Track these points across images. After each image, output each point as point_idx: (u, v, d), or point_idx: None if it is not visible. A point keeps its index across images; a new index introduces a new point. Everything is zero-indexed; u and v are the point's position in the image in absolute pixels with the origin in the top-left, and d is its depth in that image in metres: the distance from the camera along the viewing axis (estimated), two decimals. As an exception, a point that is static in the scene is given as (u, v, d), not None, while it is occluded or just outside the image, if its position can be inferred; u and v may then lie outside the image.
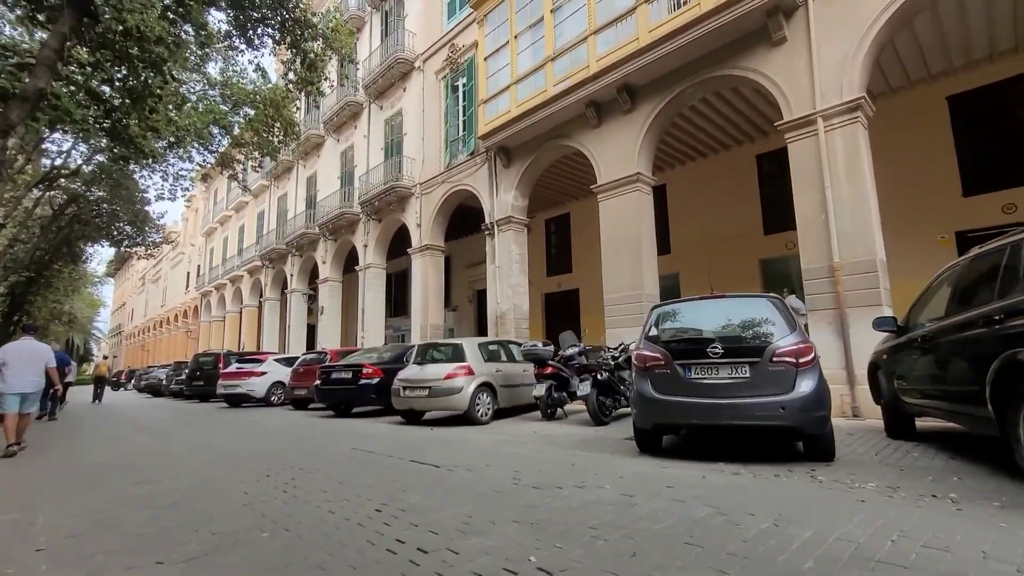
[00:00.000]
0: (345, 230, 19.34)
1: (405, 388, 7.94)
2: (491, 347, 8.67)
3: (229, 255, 32.08)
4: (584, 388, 7.15)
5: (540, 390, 7.79)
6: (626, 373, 7.83)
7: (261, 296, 26.94)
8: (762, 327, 4.45)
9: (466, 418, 7.67)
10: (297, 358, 14.74)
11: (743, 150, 13.03)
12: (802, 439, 4.33)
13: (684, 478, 3.72)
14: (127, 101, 7.92)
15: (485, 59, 12.88)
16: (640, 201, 10.02)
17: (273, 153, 13.87)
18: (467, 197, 15.07)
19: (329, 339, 20.32)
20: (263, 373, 13.30)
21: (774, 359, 4.18)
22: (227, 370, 13.76)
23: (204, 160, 12.21)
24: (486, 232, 13.35)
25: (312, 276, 23.48)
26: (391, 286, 25.79)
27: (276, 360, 13.96)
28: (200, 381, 16.70)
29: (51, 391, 8.67)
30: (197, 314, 37.26)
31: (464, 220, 16.81)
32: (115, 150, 9.07)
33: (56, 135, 11.17)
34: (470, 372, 7.73)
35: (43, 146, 11.41)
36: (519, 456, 4.91)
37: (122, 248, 16.39)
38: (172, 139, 9.61)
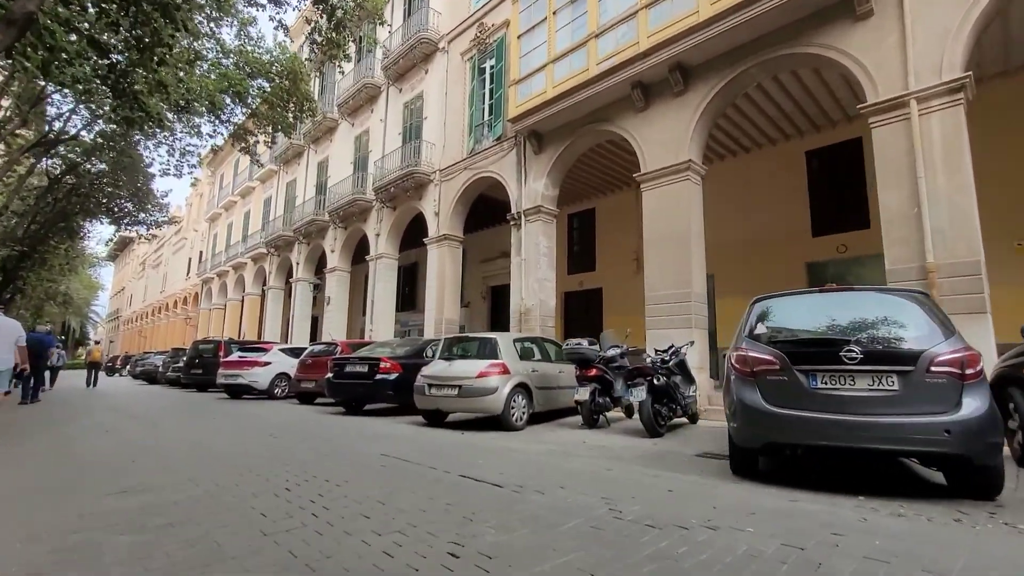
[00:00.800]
0: (357, 217, 18.49)
1: (431, 386, 7.07)
2: (525, 344, 7.80)
3: (233, 242, 31.21)
4: (638, 394, 6.28)
5: (583, 394, 6.93)
6: (677, 378, 6.98)
7: (264, 285, 26.07)
8: (907, 328, 3.59)
9: (499, 422, 6.80)
10: (304, 349, 13.89)
11: (791, 146, 12.18)
12: (961, 470, 3.46)
13: (839, 519, 2.85)
14: (133, 53, 7.05)
15: (518, 37, 12.04)
16: (690, 192, 9.16)
17: (287, 130, 13.05)
18: (490, 185, 14.21)
19: (335, 331, 19.42)
20: (267, 363, 12.42)
21: (932, 368, 3.31)
22: (228, 358, 12.89)
23: (215, 130, 11.38)
24: (511, 223, 12.49)
25: (319, 265, 22.61)
26: (399, 279, 24.95)
27: (281, 350, 13.09)
28: (199, 369, 15.82)
29: (22, 370, 7.95)
30: (197, 301, 36.37)
31: (479, 213, 16.00)
32: (118, 111, 8.21)
33: (56, 95, 10.33)
34: (505, 371, 6.86)
35: (43, 108, 10.56)
36: (589, 475, 4.04)
37: (122, 226, 15.46)
38: (181, 102, 8.75)
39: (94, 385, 18.42)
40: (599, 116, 10.72)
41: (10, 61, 6.15)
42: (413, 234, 17.79)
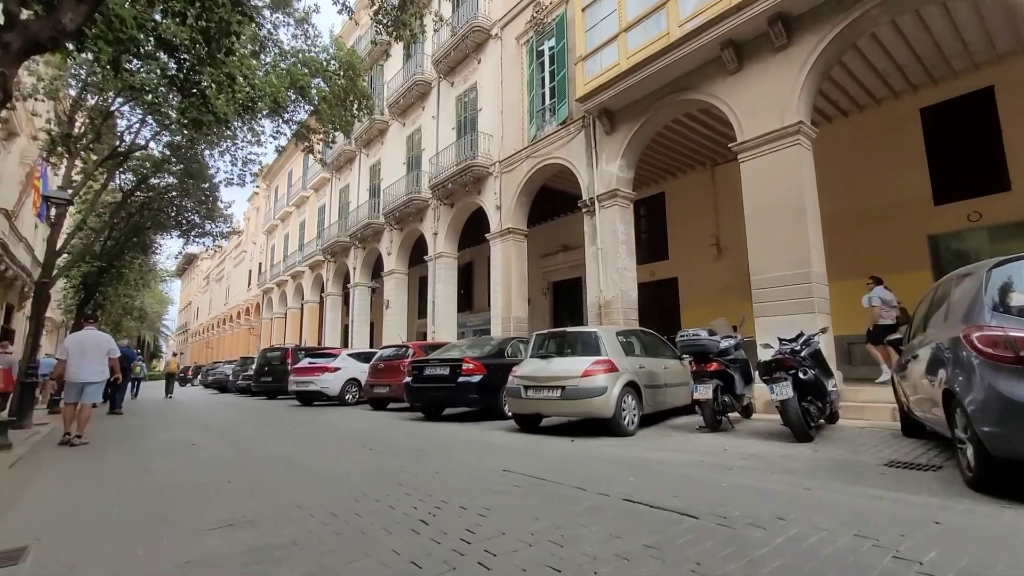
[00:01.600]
0: (413, 218, 18.12)
1: (528, 388, 6.32)
2: (625, 338, 6.93)
3: (290, 251, 31.89)
4: (782, 391, 5.29)
5: (704, 392, 6.00)
6: (812, 372, 5.92)
7: (322, 292, 26.32)
8: None
9: (608, 427, 5.97)
10: (371, 353, 13.54)
11: (902, 104, 10.70)
12: None
13: None
14: (200, 48, 6.71)
15: (583, 10, 11.18)
16: (800, 158, 8.01)
17: (346, 128, 12.70)
18: (555, 173, 13.42)
19: (395, 335, 19.16)
20: (337, 369, 12.11)
21: None
22: (299, 365, 12.69)
23: (277, 130, 11.18)
24: (584, 210, 11.63)
25: (376, 269, 22.52)
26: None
27: (350, 355, 12.77)
28: (268, 377, 15.85)
29: (113, 381, 8.06)
30: (259, 311, 37.52)
31: (536, 206, 15.18)
32: (186, 114, 7.95)
33: (125, 108, 10.36)
34: (612, 368, 6.03)
35: (113, 123, 10.62)
36: (789, 497, 3.15)
37: (190, 238, 15.68)
38: (247, 102, 8.44)
39: (171, 395, 19.60)
40: (681, 85, 9.71)
41: (83, 54, 5.89)
42: (466, 233, 17.25)
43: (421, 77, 18.28)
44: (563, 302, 18.84)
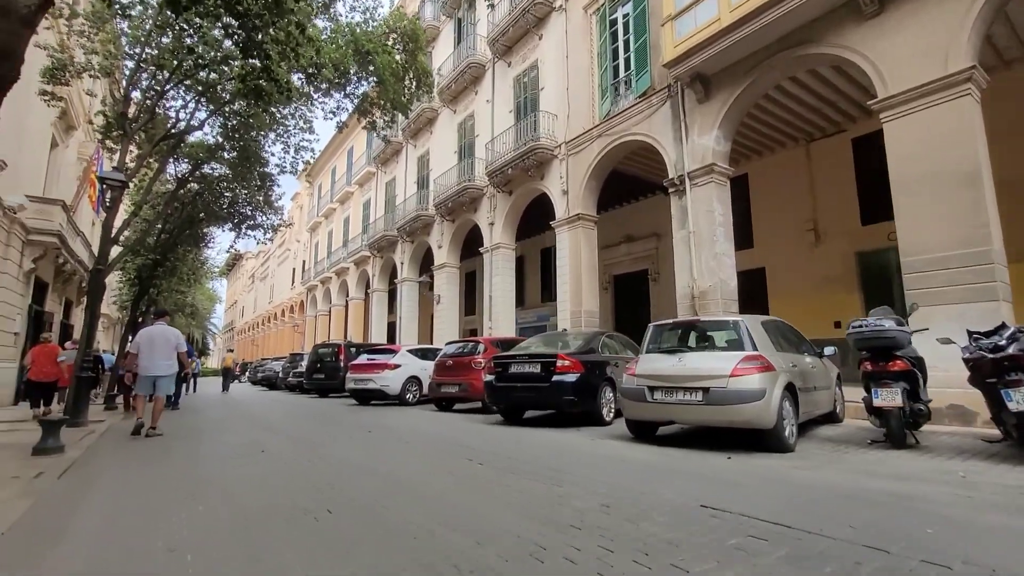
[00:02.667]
0: (466, 207, 17.19)
1: (656, 389, 5.17)
2: (767, 328, 5.67)
3: (334, 248, 31.67)
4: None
5: (891, 398, 4.72)
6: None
7: (368, 288, 25.84)
8: None
9: (766, 440, 4.77)
10: (433, 349, 12.66)
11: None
12: None
13: None
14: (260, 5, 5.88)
15: (672, -37, 9.92)
16: (971, 112, 6.55)
17: (404, 107, 11.85)
18: (632, 153, 12.20)
19: (447, 331, 18.30)
20: (397, 366, 11.25)
21: None
22: (357, 362, 11.90)
23: (339, 106, 10.39)
24: (671, 191, 10.36)
25: (424, 264, 21.77)
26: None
27: (409, 351, 11.89)
28: (320, 374, 15.22)
29: (183, 375, 8.69)
30: (303, 309, 37.62)
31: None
32: (247, 81, 7.16)
33: (180, 88, 9.75)
34: (768, 367, 4.81)
35: (166, 103, 10.05)
36: None
37: (242, 231, 15.19)
38: (310, 67, 7.61)
39: (226, 391, 19.33)
40: (799, 38, 8.33)
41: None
42: (525, 222, 16.20)
43: (474, 59, 17.34)
44: (626, 297, 17.55)
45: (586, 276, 12.55)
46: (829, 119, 11.56)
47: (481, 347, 9.53)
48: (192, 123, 10.32)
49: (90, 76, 9.14)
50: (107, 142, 9.71)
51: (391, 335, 25.40)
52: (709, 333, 5.63)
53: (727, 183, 9.88)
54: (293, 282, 42.16)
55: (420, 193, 20.67)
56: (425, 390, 11.61)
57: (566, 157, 13.28)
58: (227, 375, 20.31)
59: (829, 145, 12.11)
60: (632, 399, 5.43)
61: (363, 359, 11.88)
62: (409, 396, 11.31)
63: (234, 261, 64.97)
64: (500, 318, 15.48)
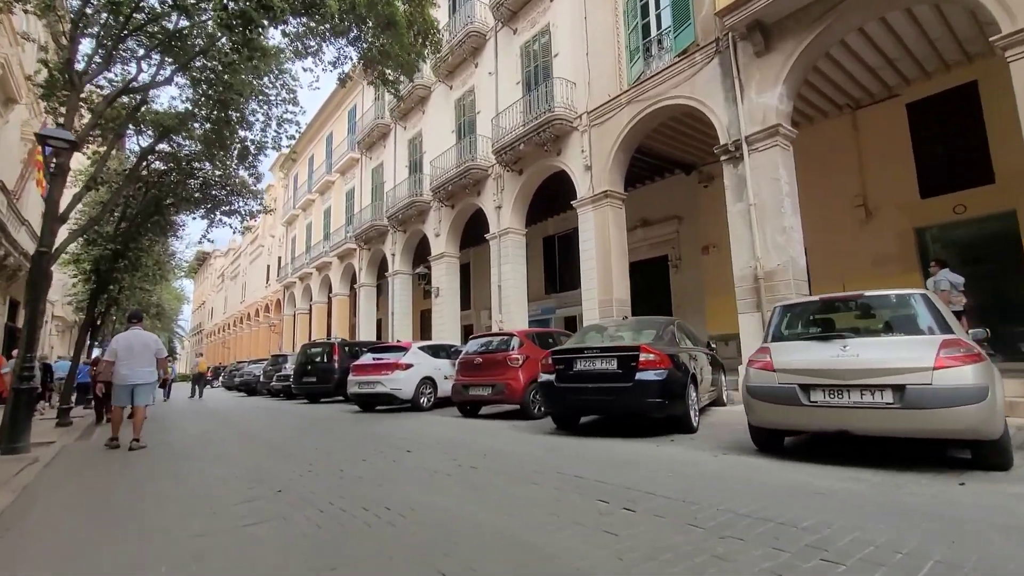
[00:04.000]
0: (469, 191, 15.67)
1: (815, 388, 3.87)
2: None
3: (314, 242, 29.63)
4: None
5: None
6: None
7: (354, 283, 24.01)
8: None
9: (986, 457, 3.54)
10: (446, 347, 11.20)
11: None
12: None
13: None
14: None
15: None
16: None
17: (411, 68, 10.25)
18: (672, 117, 10.95)
19: (447, 327, 16.81)
20: (409, 366, 9.73)
21: None
22: (361, 362, 10.32)
23: (340, 54, 8.75)
24: (723, 159, 9.13)
25: (418, 255, 20.16)
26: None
27: (420, 348, 10.37)
28: (311, 377, 13.54)
29: (163, 382, 7.66)
30: (280, 308, 35.39)
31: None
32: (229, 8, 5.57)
33: (138, 38, 7.98)
34: (978, 356, 3.55)
35: (123, 52, 8.24)
36: None
37: (215, 220, 13.35)
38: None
39: (200, 396, 18.57)
40: (889, -28, 7.17)
41: None
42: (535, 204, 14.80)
43: (474, 28, 15.80)
44: (643, 286, 16.28)
45: (616, 260, 11.24)
46: (883, 83, 10.51)
47: (516, 341, 8.11)
48: (157, 78, 8.53)
49: (23, 10, 7.30)
50: (51, 103, 7.86)
51: (379, 333, 23.71)
52: (874, 312, 4.35)
53: (790, 148, 8.68)
54: (268, 280, 39.77)
55: (413, 178, 19.03)
56: (440, 392, 10.16)
57: (588, 129, 11.92)
58: (199, 381, 19.63)
59: (879, 112, 11.09)
60: (772, 401, 4.11)
61: (368, 359, 10.31)
62: (423, 400, 9.81)
63: (202, 259, 61.58)
64: (512, 310, 14.06)
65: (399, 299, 20.15)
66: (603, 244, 11.35)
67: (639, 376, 5.35)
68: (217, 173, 13.21)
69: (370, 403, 10.41)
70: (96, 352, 12.56)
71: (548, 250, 20.04)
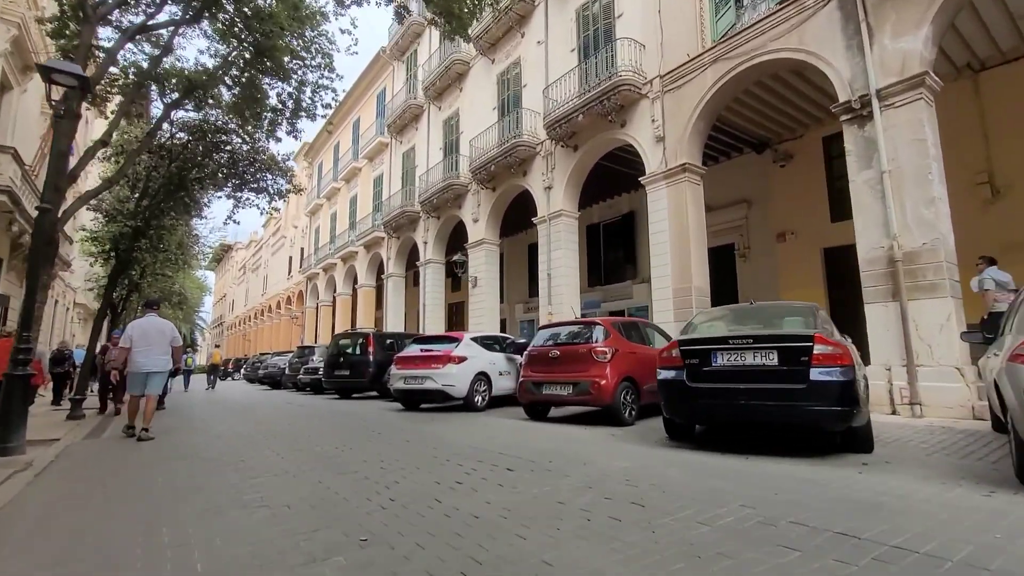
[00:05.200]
0: (514, 170, 14.34)
1: None
2: None
3: (339, 232, 28.63)
4: None
5: None
6: None
7: (382, 273, 22.88)
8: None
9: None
10: (500, 338, 9.93)
11: None
12: None
13: None
14: None
15: None
16: None
17: (461, 29, 8.95)
18: (758, 82, 9.49)
19: (485, 320, 15.55)
20: (462, 359, 8.45)
21: None
22: (406, 354, 9.06)
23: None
24: (844, 119, 7.65)
25: (452, 243, 18.92)
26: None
27: (473, 340, 9.08)
28: (344, 370, 12.37)
29: (175, 371, 7.86)
30: (302, 300, 34.53)
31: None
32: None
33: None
34: None
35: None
36: None
37: (241, 199, 12.27)
38: None
39: (213, 388, 18.36)
40: None
41: None
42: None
43: (520, -7, 14.47)
44: (725, 272, 14.60)
45: (695, 244, 9.81)
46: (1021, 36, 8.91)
47: (600, 331, 6.76)
48: (184, 15, 7.35)
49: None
50: (63, 43, 6.75)
51: (412, 324, 22.48)
52: None
53: (932, 104, 7.17)
54: (290, 271, 39.00)
55: (448, 160, 17.78)
56: (495, 390, 8.88)
57: (660, 95, 10.51)
58: (213, 372, 19.75)
59: (1008, 73, 9.48)
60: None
61: (414, 350, 9.05)
62: (477, 399, 8.52)
63: (224, 252, 61.28)
64: (562, 298, 12.71)
65: (431, 290, 18.95)
66: (679, 225, 9.93)
67: (816, 375, 3.97)
68: (245, 147, 12.15)
69: (415, 400, 9.17)
70: (113, 334, 11.55)
71: (592, 239, 18.59)
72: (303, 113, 10.83)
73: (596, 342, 6.63)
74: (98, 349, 11.71)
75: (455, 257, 16.65)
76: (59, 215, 6.00)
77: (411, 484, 3.44)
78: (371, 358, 12.01)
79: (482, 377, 8.68)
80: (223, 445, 5.36)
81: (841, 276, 11.79)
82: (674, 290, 9.88)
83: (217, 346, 28.81)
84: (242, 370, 28.48)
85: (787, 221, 12.57)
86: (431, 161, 19.14)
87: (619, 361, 6.48)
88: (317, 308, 31.40)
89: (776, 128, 12.34)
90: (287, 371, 17.12)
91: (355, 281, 26.01)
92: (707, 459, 4.12)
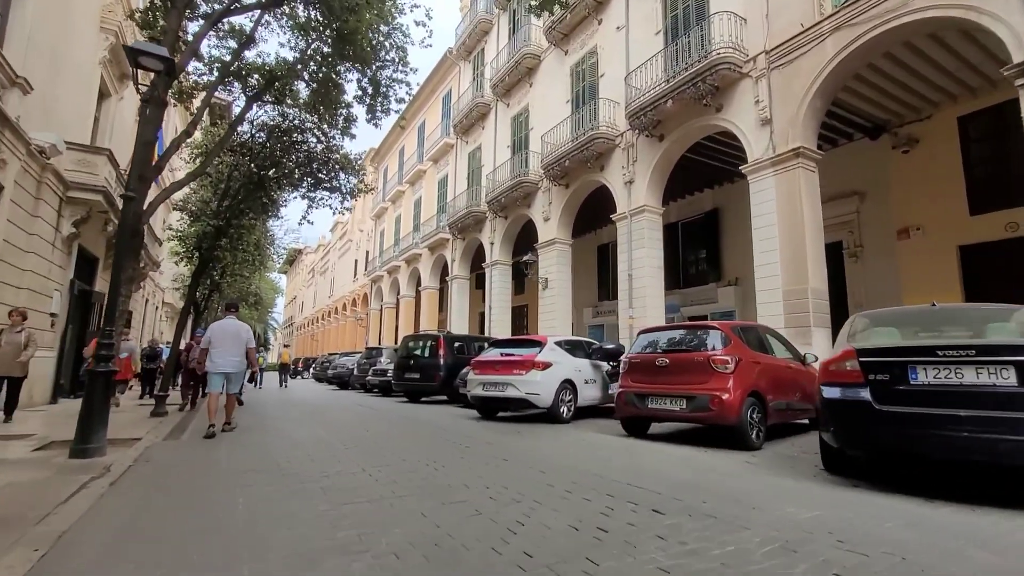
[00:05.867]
0: (591, 164, 13.46)
1: None
2: None
3: (402, 235, 28.84)
4: None
5: None
6: None
7: (446, 275, 22.63)
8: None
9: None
10: (584, 342, 9.10)
11: None
12: None
13: None
14: None
15: None
16: None
17: (550, 2, 8.23)
18: (886, 52, 8.14)
19: (557, 324, 14.73)
20: (547, 365, 7.68)
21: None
22: (485, 358, 8.41)
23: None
24: (1020, 82, 6.26)
25: (520, 244, 18.31)
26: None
27: (558, 344, 8.30)
28: (414, 373, 11.96)
29: (251, 374, 7.91)
30: (367, 302, 35.20)
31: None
32: None
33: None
34: None
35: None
36: None
37: (315, 199, 12.19)
38: None
39: (285, 385, 19.41)
40: None
41: None
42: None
43: (601, -22, 13.65)
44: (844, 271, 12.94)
45: (811, 240, 8.56)
46: None
47: (719, 337, 5.78)
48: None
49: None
50: (152, 33, 6.66)
51: (478, 328, 22.06)
52: None
53: None
54: (356, 274, 39.98)
55: (517, 157, 17.18)
56: (580, 400, 8.05)
57: (765, 73, 9.33)
58: (284, 370, 20.74)
59: None
60: None
61: (493, 354, 8.38)
62: (563, 410, 7.72)
63: (294, 256, 64.33)
64: (647, 302, 11.67)
65: (497, 292, 18.40)
66: (791, 218, 8.70)
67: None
68: (319, 147, 12.07)
69: (492, 408, 8.51)
70: (196, 333, 11.79)
71: (669, 240, 17.31)
72: (381, 98, 10.51)
73: (714, 350, 5.66)
74: (182, 347, 11.97)
75: (525, 258, 15.97)
76: (144, 207, 5.81)
77: (539, 528, 2.69)
78: (441, 361, 11.53)
79: (567, 385, 7.87)
80: (303, 456, 4.87)
81: (983, 278, 10.04)
82: (785, 292, 8.65)
83: (286, 346, 29.77)
84: (311, 369, 29.24)
85: (911, 215, 10.92)
86: (498, 160, 18.64)
87: (743, 372, 5.47)
88: (381, 310, 31.82)
89: (899, 109, 10.77)
90: (355, 372, 17.07)
91: (418, 283, 26.01)
92: (918, 509, 3.10)
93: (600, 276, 19.98)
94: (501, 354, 8.17)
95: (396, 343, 25.81)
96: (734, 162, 13.20)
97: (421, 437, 6.30)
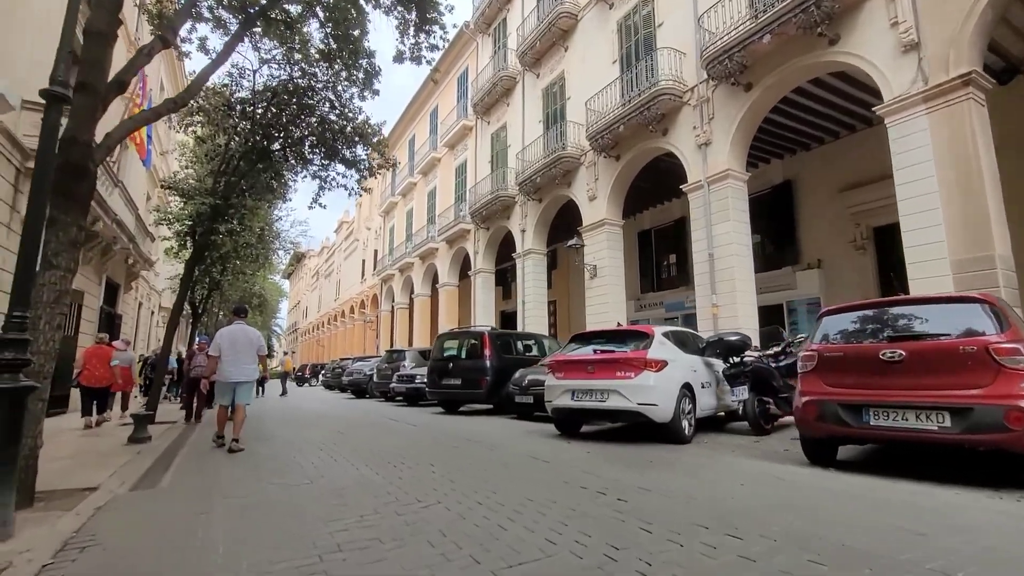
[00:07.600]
0: (653, 129, 11.40)
1: None
2: None
3: (415, 230, 26.83)
4: None
5: None
6: None
7: (469, 269, 20.58)
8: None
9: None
10: (692, 335, 7.08)
11: None
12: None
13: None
14: None
15: None
16: None
17: None
18: None
19: (611, 315, 12.67)
20: (662, 364, 5.62)
21: None
22: (569, 356, 6.32)
23: None
24: None
25: (555, 231, 16.29)
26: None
27: (666, 336, 6.23)
28: (454, 379, 9.93)
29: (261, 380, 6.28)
30: (376, 303, 33.19)
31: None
32: None
33: None
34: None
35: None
36: None
37: (327, 179, 10.18)
38: None
39: (285, 394, 17.79)
40: None
41: None
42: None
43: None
44: (892, 260, 11.23)
45: (991, 193, 6.50)
46: None
47: (985, 313, 3.74)
48: None
49: None
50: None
51: (509, 326, 19.96)
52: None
53: None
54: (363, 275, 37.96)
55: (552, 131, 15.17)
56: (700, 409, 6.01)
57: (906, -13, 7.29)
58: (284, 379, 20.36)
59: None
60: None
61: (584, 351, 6.30)
62: (684, 424, 5.67)
63: (297, 259, 62.24)
64: (737, 287, 9.61)
65: (532, 284, 16.33)
66: (961, 166, 6.65)
67: None
68: (334, 114, 10.06)
69: (575, 420, 6.48)
70: (198, 340, 9.81)
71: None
72: (407, 57, 8.50)
73: (985, 334, 3.61)
74: (183, 354, 10.02)
75: (570, 243, 13.89)
76: (93, 136, 3.80)
77: None
78: (488, 363, 9.51)
79: (687, 392, 5.83)
80: (357, 522, 2.85)
81: None
82: (955, 263, 6.59)
83: (286, 353, 27.98)
84: (320, 376, 27.21)
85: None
86: (527, 137, 16.63)
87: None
88: (392, 311, 29.80)
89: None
90: (375, 379, 15.02)
91: (435, 280, 24.00)
92: None
93: (642, 266, 17.93)
94: (595, 351, 6.10)
95: (411, 345, 23.79)
96: (820, 122, 11.22)
97: (490, 473, 4.25)
